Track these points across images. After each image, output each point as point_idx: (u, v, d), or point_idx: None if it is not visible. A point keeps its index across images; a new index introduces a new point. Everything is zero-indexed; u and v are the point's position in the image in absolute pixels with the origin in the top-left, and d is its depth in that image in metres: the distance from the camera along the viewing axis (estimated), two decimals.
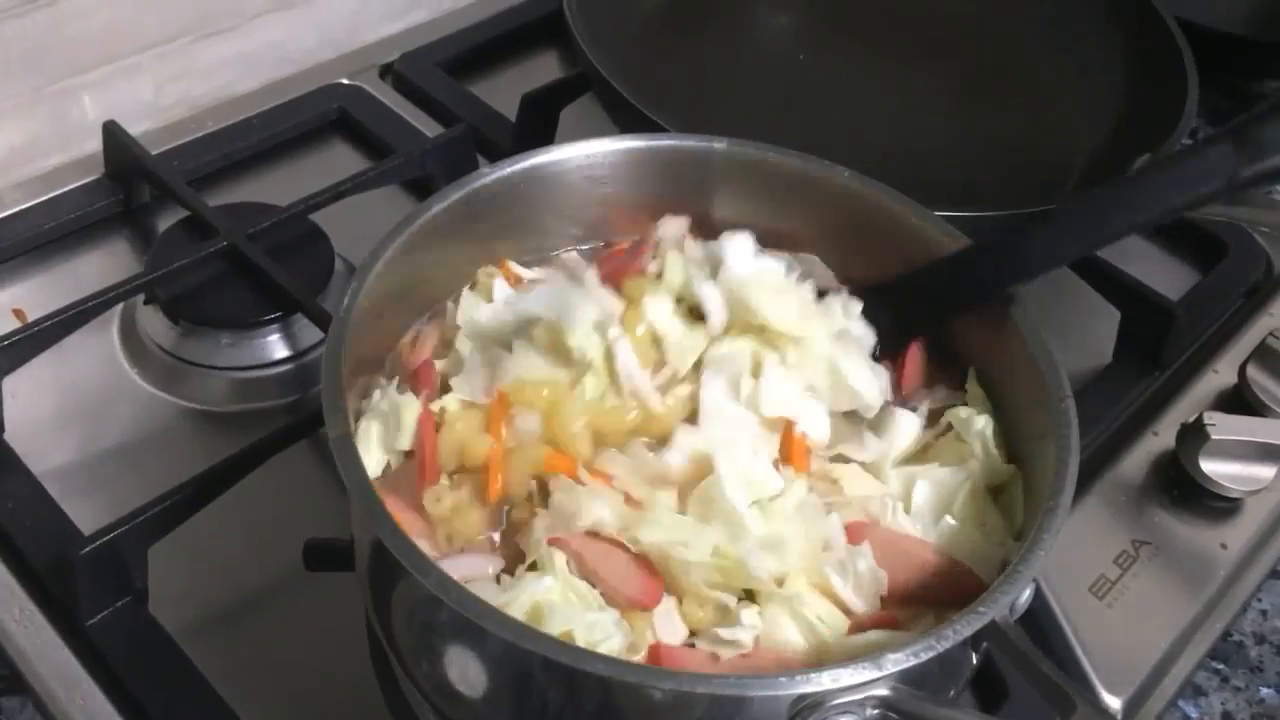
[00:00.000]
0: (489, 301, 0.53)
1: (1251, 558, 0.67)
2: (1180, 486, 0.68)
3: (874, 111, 0.84)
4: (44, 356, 0.66)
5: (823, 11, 0.93)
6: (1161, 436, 0.71)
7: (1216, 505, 0.68)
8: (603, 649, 0.41)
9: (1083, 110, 0.84)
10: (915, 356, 0.55)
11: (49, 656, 0.56)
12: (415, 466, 0.48)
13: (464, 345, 0.51)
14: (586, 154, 0.55)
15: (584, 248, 0.59)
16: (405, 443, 0.48)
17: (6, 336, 0.64)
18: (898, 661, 0.37)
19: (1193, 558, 0.66)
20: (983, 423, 0.52)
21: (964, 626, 0.38)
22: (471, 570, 0.43)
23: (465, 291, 0.54)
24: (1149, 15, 0.84)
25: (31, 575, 0.59)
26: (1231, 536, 0.68)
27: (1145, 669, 0.61)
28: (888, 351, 0.55)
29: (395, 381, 0.50)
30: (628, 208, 0.57)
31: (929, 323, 0.55)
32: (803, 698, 0.37)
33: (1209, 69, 0.80)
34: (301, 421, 0.64)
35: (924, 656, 0.38)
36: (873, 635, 0.43)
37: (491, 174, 0.53)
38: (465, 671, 0.41)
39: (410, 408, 0.48)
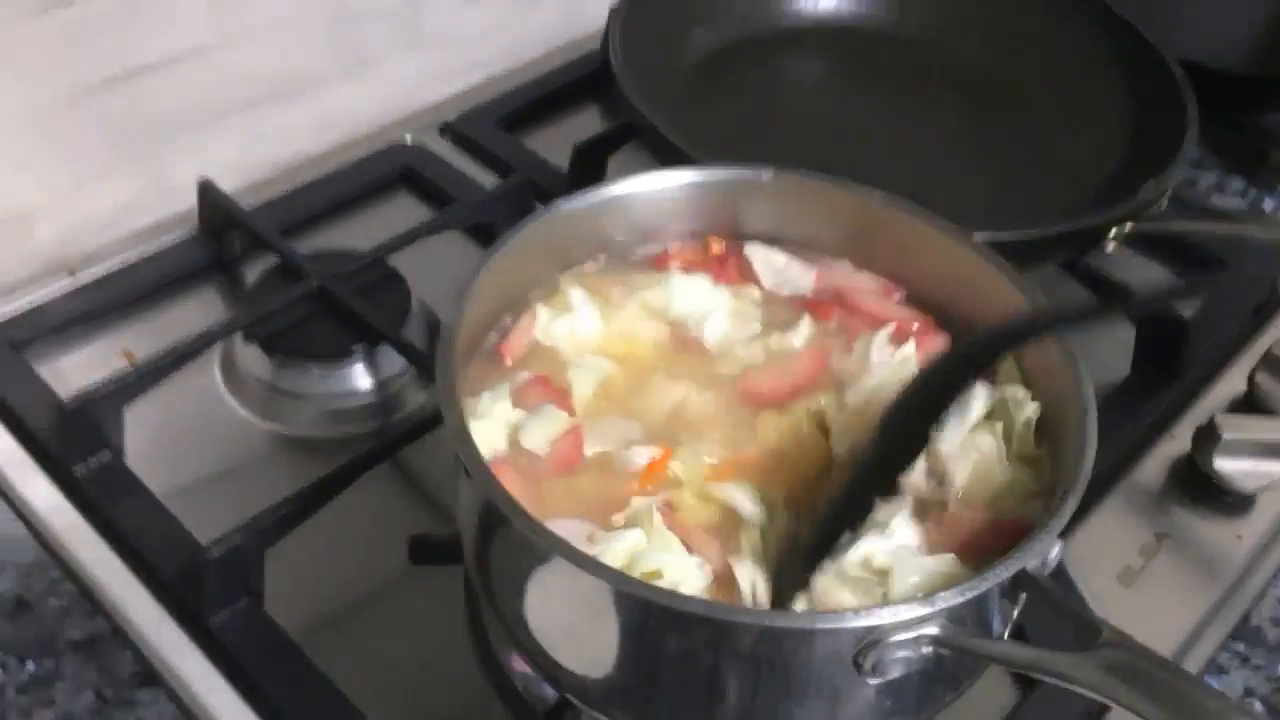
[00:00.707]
0: (566, 311, 0.61)
1: (1266, 548, 0.72)
2: (1197, 484, 0.74)
3: (898, 151, 0.91)
4: (155, 390, 0.73)
5: (846, 63, 1.00)
6: (1178, 440, 0.77)
7: (1231, 501, 0.74)
8: (686, 588, 0.48)
9: (1093, 143, 0.90)
10: (935, 339, 0.61)
11: (179, 653, 0.62)
12: (534, 459, 0.56)
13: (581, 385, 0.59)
14: (650, 186, 0.62)
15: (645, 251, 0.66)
16: (542, 444, 0.56)
17: (127, 374, 0.72)
18: (947, 599, 0.43)
19: (1211, 549, 0.72)
20: (1032, 409, 0.57)
21: (1003, 570, 0.44)
22: (569, 532, 0.49)
23: (540, 306, 0.61)
24: (1151, 57, 0.91)
25: (159, 581, 0.65)
26: (1246, 529, 0.73)
27: (1171, 647, 0.66)
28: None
29: (505, 387, 0.58)
30: (686, 225, 0.65)
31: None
32: (867, 632, 0.43)
33: (1212, 104, 0.86)
34: (389, 443, 0.71)
35: (969, 595, 0.44)
36: (928, 561, 0.49)
37: (580, 201, 0.61)
38: (575, 628, 0.47)
39: (559, 420, 0.56)
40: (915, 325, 0.63)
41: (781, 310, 0.64)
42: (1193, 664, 0.67)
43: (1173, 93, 0.87)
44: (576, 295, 0.61)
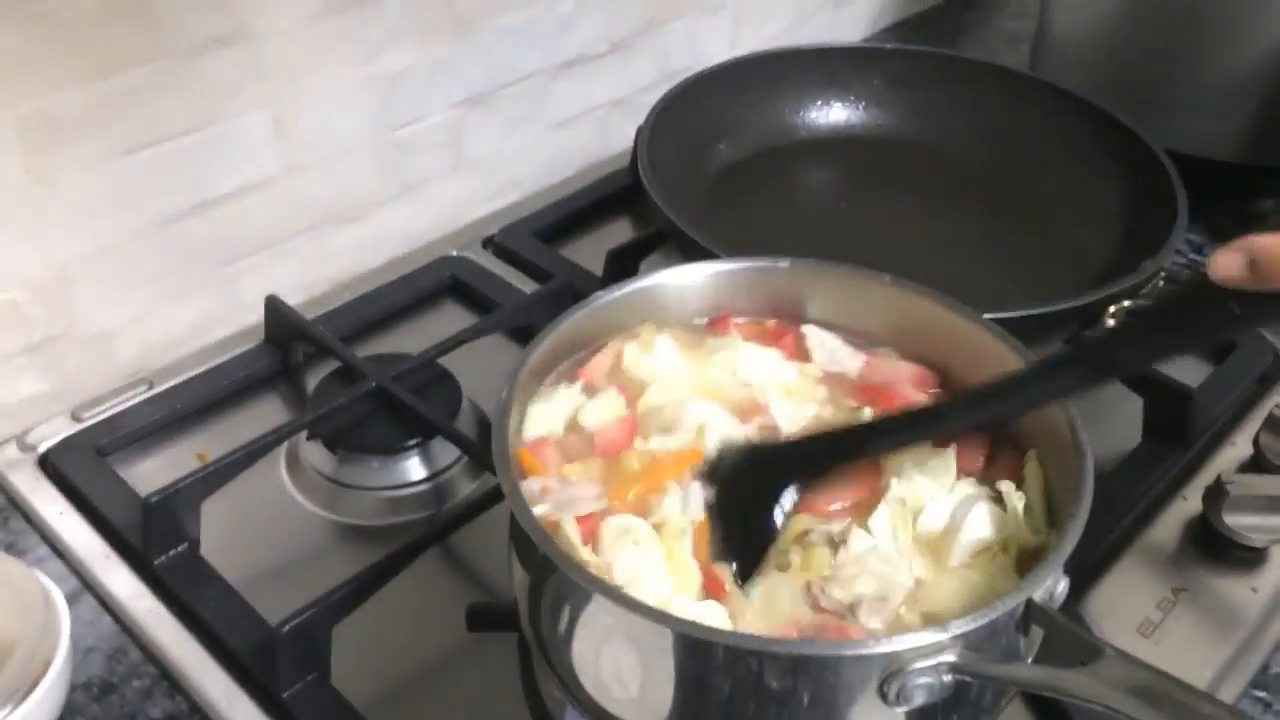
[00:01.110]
0: (649, 350, 0.67)
1: None
2: (1210, 541, 0.78)
3: (909, 245, 0.97)
4: (227, 487, 0.79)
5: (857, 168, 1.08)
6: (1190, 501, 0.81)
7: (1243, 555, 0.77)
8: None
9: (1093, 231, 0.97)
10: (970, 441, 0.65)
11: None
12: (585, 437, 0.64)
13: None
14: (680, 277, 0.69)
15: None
16: (595, 423, 0.63)
17: (198, 471, 0.77)
18: (960, 625, 0.48)
19: (1227, 601, 0.75)
20: (1018, 499, 0.61)
21: (1011, 599, 0.49)
22: (579, 494, 0.57)
23: (627, 344, 0.68)
24: (1143, 150, 0.97)
25: (234, 661, 0.70)
26: (1261, 582, 0.76)
27: None
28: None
29: (580, 383, 0.66)
30: (711, 311, 0.71)
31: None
32: (890, 659, 0.47)
33: (1207, 192, 0.92)
34: (442, 527, 0.76)
35: (980, 621, 0.48)
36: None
37: (617, 291, 0.67)
38: (619, 668, 0.51)
39: (618, 405, 0.64)
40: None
41: (837, 387, 0.68)
42: None
43: (1164, 182, 0.93)
44: (661, 339, 0.67)
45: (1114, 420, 0.87)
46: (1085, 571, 0.75)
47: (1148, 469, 0.84)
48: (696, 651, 0.50)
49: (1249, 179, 1.13)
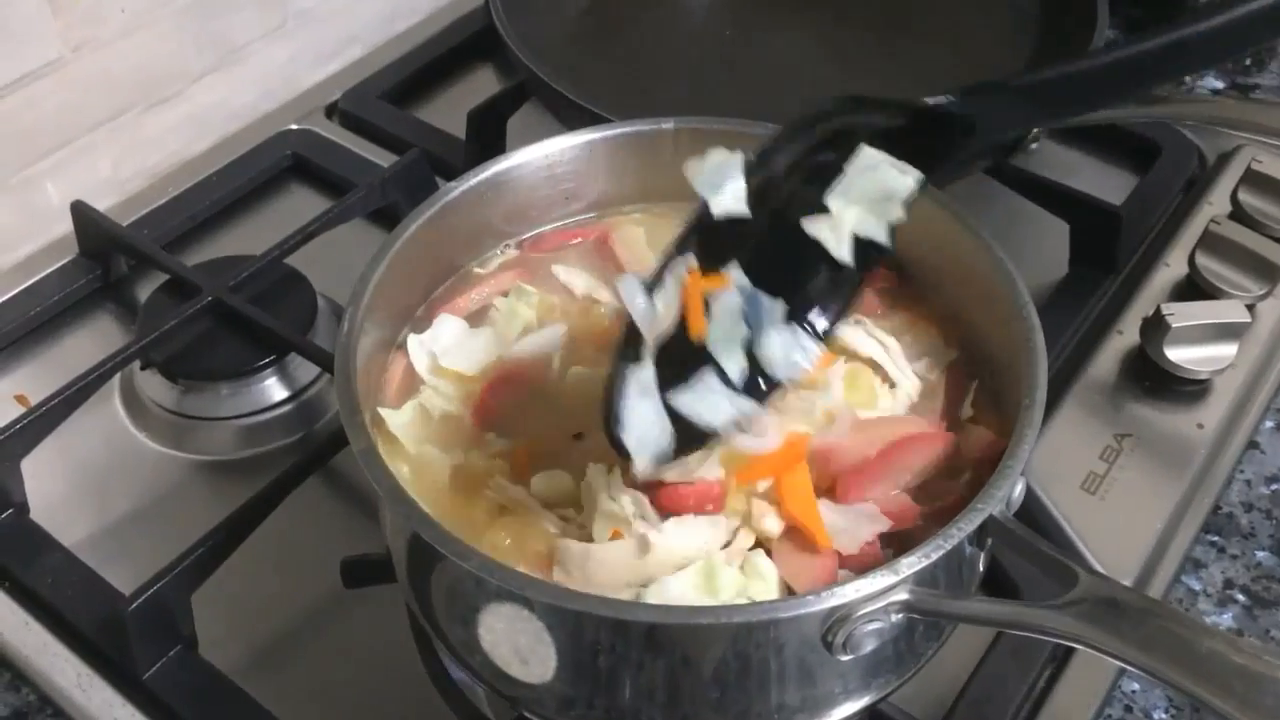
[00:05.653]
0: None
1: (1228, 433, 0.71)
2: (1151, 377, 0.72)
3: (806, 69, 0.87)
4: (54, 435, 0.68)
5: None
6: (1126, 335, 0.75)
7: (1187, 389, 0.72)
8: None
9: (1004, 35, 0.87)
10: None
11: (114, 714, 0.58)
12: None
13: None
14: (545, 154, 0.58)
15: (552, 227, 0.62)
16: None
17: (16, 422, 0.66)
18: (911, 565, 0.40)
19: (1173, 441, 0.70)
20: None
21: (966, 524, 0.41)
22: None
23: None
24: None
25: (83, 641, 0.61)
26: (1206, 416, 0.71)
27: (1145, 551, 0.64)
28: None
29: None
30: (591, 193, 0.60)
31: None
32: (833, 611, 0.40)
33: None
34: (312, 456, 0.66)
35: (934, 556, 0.41)
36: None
37: (458, 187, 0.56)
38: (516, 644, 0.43)
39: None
40: None
41: None
42: (1169, 564, 0.65)
43: None
44: None
45: (1036, 250, 0.80)
46: None
47: (1079, 301, 0.77)
48: (607, 630, 0.42)
49: None
